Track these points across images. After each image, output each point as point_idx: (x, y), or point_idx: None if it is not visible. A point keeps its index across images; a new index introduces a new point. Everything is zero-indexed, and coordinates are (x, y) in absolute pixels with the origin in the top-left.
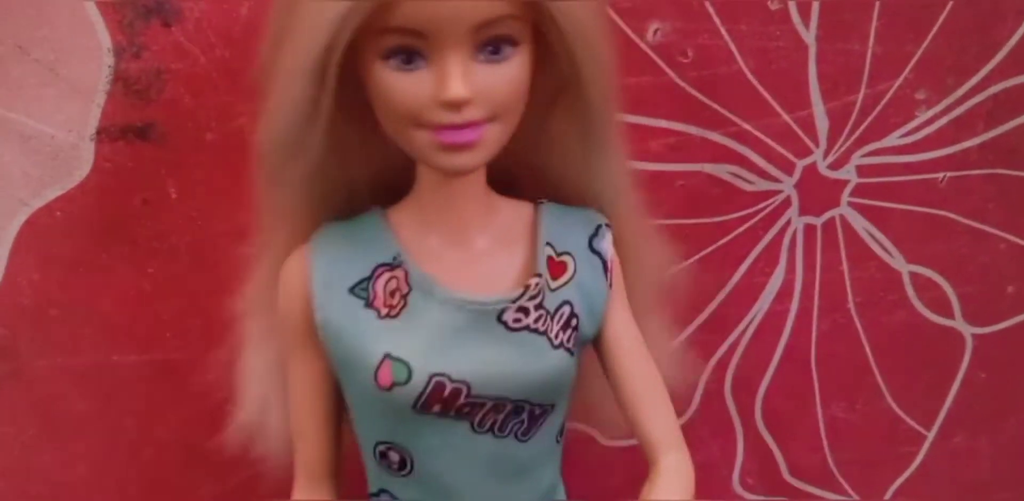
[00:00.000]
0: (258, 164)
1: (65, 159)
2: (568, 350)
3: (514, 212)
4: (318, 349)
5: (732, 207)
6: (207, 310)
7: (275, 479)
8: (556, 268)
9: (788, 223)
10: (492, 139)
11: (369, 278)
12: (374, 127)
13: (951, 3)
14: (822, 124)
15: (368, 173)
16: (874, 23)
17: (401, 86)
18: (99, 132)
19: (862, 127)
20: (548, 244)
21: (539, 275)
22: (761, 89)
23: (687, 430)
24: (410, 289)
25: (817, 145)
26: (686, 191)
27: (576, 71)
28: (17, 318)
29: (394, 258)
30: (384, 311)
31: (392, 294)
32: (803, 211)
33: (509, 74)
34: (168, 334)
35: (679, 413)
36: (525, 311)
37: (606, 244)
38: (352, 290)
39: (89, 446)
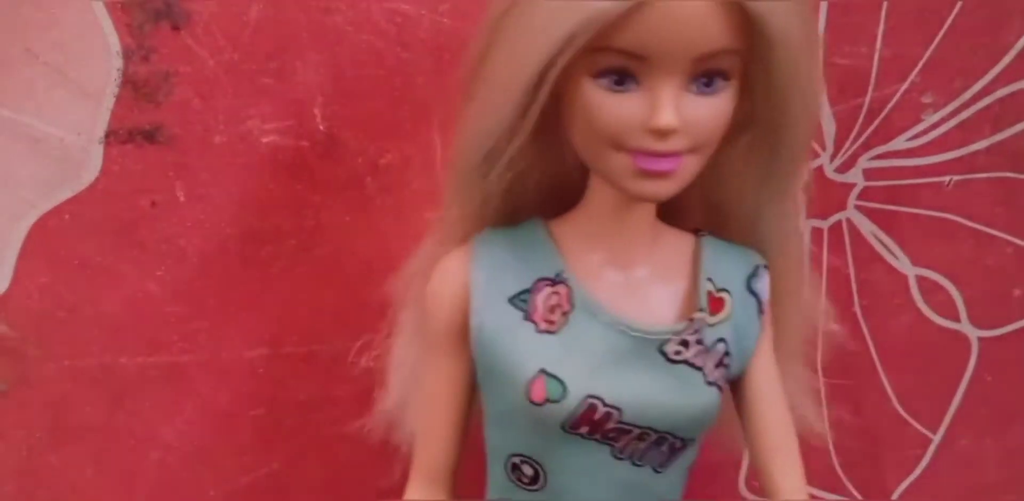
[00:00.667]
0: (452, 167)
1: (74, 162)
2: (719, 387)
3: (676, 242)
4: (463, 352)
5: None
6: (214, 313)
7: (281, 482)
8: (715, 304)
9: None
10: (687, 170)
11: (529, 290)
12: (557, 139)
13: (958, 6)
14: (829, 127)
15: (545, 182)
16: (881, 26)
17: (610, 106)
18: (108, 135)
19: (869, 130)
20: (708, 279)
21: (702, 309)
22: None
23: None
24: (572, 307)
25: (824, 148)
26: None
27: (775, 108)
28: (25, 320)
29: (557, 274)
30: (543, 326)
31: (552, 310)
32: (810, 214)
33: (717, 108)
34: (176, 337)
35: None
36: (686, 344)
37: (763, 285)
38: (511, 300)
39: (96, 449)
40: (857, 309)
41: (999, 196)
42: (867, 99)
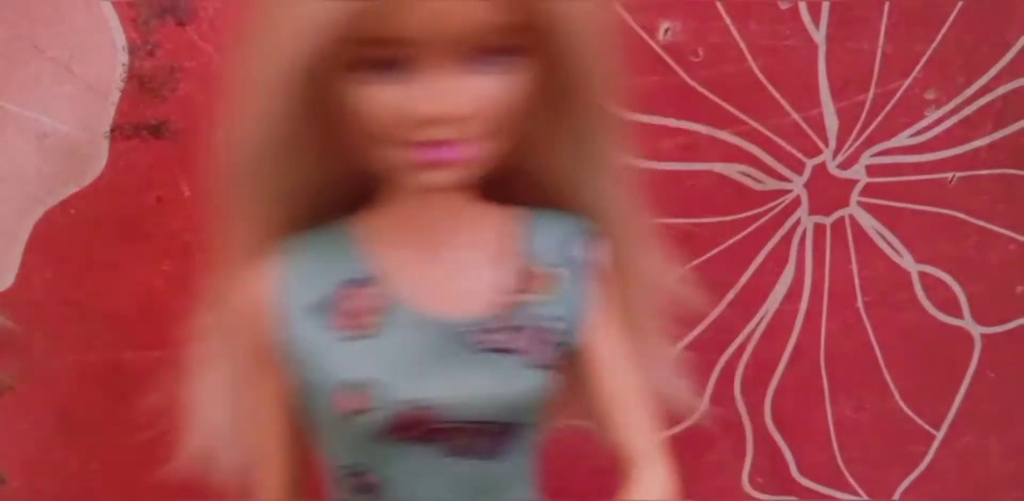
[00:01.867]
0: (216, 174)
1: (79, 157)
2: (545, 368)
3: (499, 223)
4: (276, 369)
5: (742, 206)
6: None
7: None
8: (539, 281)
9: (798, 222)
10: (479, 155)
11: (333, 296)
12: (335, 136)
13: (961, 2)
14: (832, 123)
15: (331, 179)
16: (884, 22)
17: (379, 99)
18: (113, 130)
19: (872, 126)
20: (531, 255)
21: (519, 292)
22: (771, 88)
23: (697, 430)
24: (379, 309)
25: (827, 144)
26: (696, 191)
27: (570, 80)
28: (31, 315)
29: (361, 275)
30: (348, 332)
31: (358, 314)
32: (813, 210)
33: (499, 87)
34: (180, 332)
35: (689, 414)
36: (500, 330)
37: (592, 253)
38: (315, 309)
39: (102, 443)
40: (860, 305)
41: (1002, 192)
42: (870, 95)
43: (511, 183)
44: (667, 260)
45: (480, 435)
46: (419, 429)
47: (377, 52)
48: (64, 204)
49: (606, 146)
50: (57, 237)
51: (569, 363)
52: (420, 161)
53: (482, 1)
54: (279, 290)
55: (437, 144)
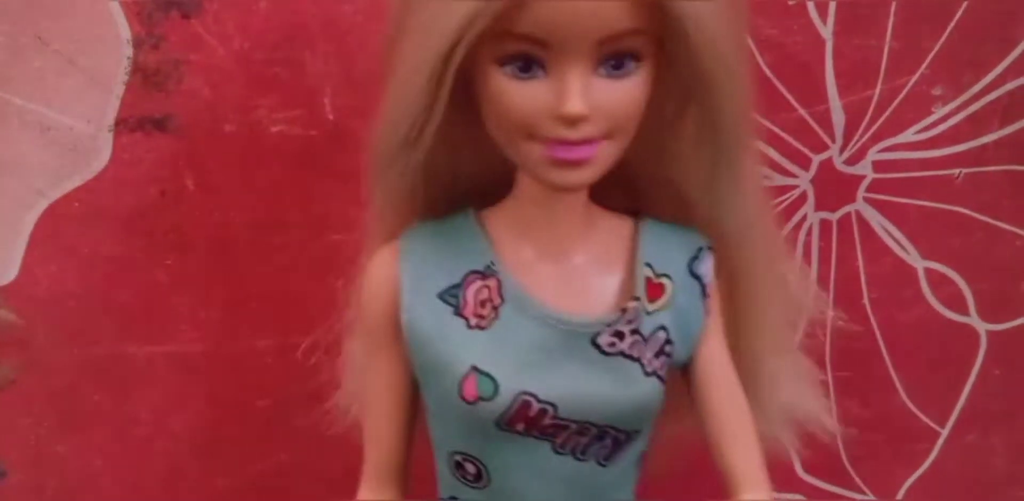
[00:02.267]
0: (370, 158)
1: (83, 150)
2: (659, 377)
3: (614, 228)
4: (400, 350)
5: None
6: (222, 303)
7: (288, 473)
8: (654, 290)
9: (804, 218)
10: (605, 157)
11: (460, 285)
12: (478, 130)
13: None
14: (839, 119)
15: (473, 171)
16: (891, 18)
17: (517, 95)
18: (117, 123)
19: (878, 122)
20: (647, 265)
21: (637, 299)
22: (778, 84)
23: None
24: (503, 301)
25: (833, 140)
26: None
27: (705, 88)
28: (34, 309)
29: (487, 267)
30: (474, 321)
31: (483, 304)
32: (819, 206)
33: (630, 91)
34: (184, 326)
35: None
36: (620, 335)
37: (706, 268)
38: (442, 295)
39: (104, 438)
40: (866, 302)
41: (1008, 189)
42: (877, 91)
43: (642, 191)
44: (797, 274)
45: (592, 437)
46: (536, 423)
47: (518, 48)
48: (67, 197)
49: (742, 165)
50: (60, 231)
51: (677, 378)
52: (553, 158)
53: (618, 5)
54: (408, 274)
55: (569, 143)
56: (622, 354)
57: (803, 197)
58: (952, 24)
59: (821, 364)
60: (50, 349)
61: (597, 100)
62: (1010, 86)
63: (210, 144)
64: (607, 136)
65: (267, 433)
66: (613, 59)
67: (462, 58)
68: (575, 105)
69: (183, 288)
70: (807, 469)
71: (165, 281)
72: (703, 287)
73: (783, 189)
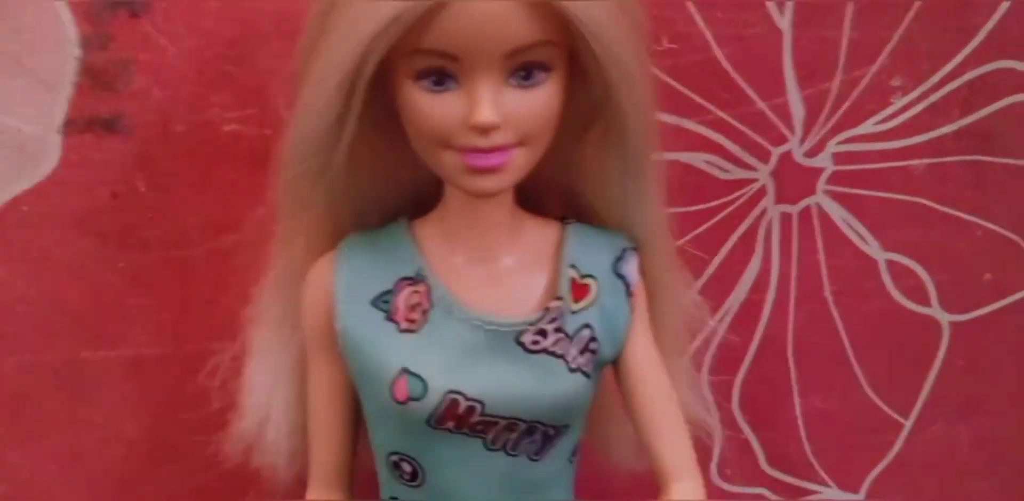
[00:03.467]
0: (279, 171)
1: (32, 152)
2: (585, 373)
3: (540, 232)
4: (337, 356)
5: (707, 196)
6: (177, 305)
7: (247, 477)
8: (579, 290)
9: (764, 212)
10: (519, 164)
11: (391, 291)
12: (400, 143)
13: None
14: (797, 111)
15: (398, 185)
16: (849, 9)
17: (431, 107)
18: (66, 124)
19: (838, 114)
20: (572, 266)
21: (560, 298)
22: (736, 77)
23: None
24: (431, 305)
25: (792, 133)
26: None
27: (611, 99)
28: None
29: (417, 273)
30: (404, 325)
31: (413, 309)
32: (779, 199)
33: (539, 100)
34: (138, 330)
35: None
36: (544, 333)
37: (630, 268)
38: (374, 302)
39: (59, 444)
40: (828, 295)
41: (968, 179)
42: (835, 83)
43: (552, 200)
44: (687, 279)
45: (521, 433)
46: (465, 420)
47: (430, 63)
48: (16, 201)
49: (649, 173)
50: (9, 235)
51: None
52: (468, 166)
53: (522, 19)
54: (343, 283)
55: (482, 150)
56: (545, 351)
57: (763, 190)
58: (911, 14)
59: (783, 358)
60: (1, 355)
61: (508, 109)
62: (969, 76)
63: (161, 145)
64: (520, 143)
65: (224, 437)
66: (522, 70)
67: (381, 75)
68: (485, 114)
69: (136, 291)
70: (771, 463)
71: (118, 284)
72: (627, 286)
73: (742, 182)
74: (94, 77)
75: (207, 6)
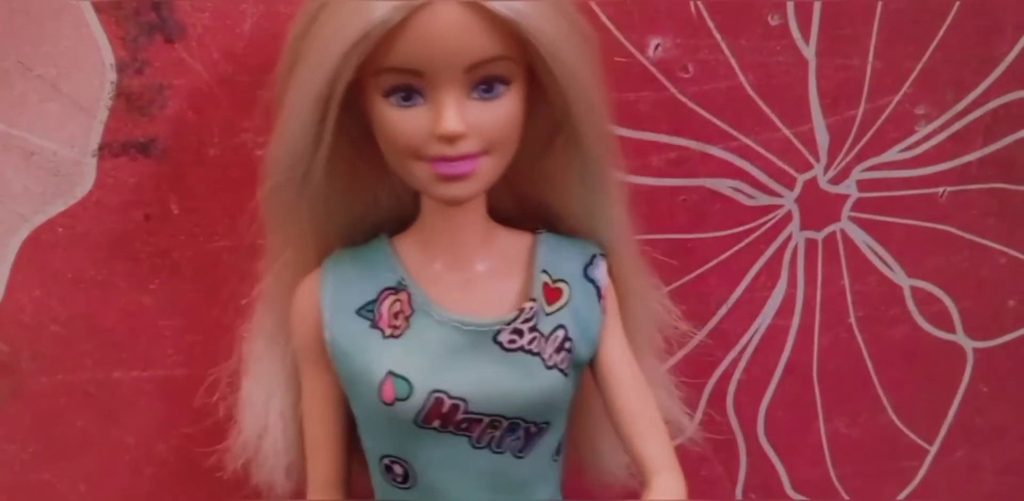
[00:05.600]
0: (262, 189)
1: (67, 175)
2: (562, 371)
3: (513, 240)
4: (328, 366)
5: (733, 222)
6: (209, 326)
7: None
8: (551, 294)
9: (789, 238)
10: (486, 171)
11: (375, 300)
12: (378, 160)
13: (950, 18)
14: (823, 139)
15: (378, 203)
16: (874, 38)
17: (401, 121)
18: (101, 148)
19: (862, 142)
20: (544, 271)
21: (533, 299)
22: (762, 104)
23: (690, 446)
24: (412, 311)
25: (818, 160)
26: (687, 206)
27: (568, 112)
28: (18, 334)
29: (399, 282)
30: (388, 331)
31: (396, 316)
32: (804, 225)
33: (501, 111)
34: (170, 350)
35: (679, 434)
36: (519, 333)
37: (600, 272)
38: (359, 312)
39: (90, 464)
40: (853, 320)
41: (992, 207)
42: (860, 111)
43: (520, 211)
44: (654, 281)
45: (504, 430)
46: (450, 418)
47: (397, 80)
48: (51, 222)
49: (609, 181)
50: (44, 256)
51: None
52: (438, 174)
53: (481, 36)
54: (329, 295)
55: (450, 159)
56: (522, 350)
57: (788, 216)
58: (934, 44)
59: (809, 383)
60: (35, 375)
61: (472, 120)
62: (992, 104)
63: (195, 168)
64: (485, 152)
65: (248, 465)
66: (483, 83)
67: (354, 95)
68: (450, 124)
69: (168, 312)
70: (796, 487)
71: (150, 305)
72: (598, 289)
73: (768, 209)
74: (129, 101)
75: (240, 31)
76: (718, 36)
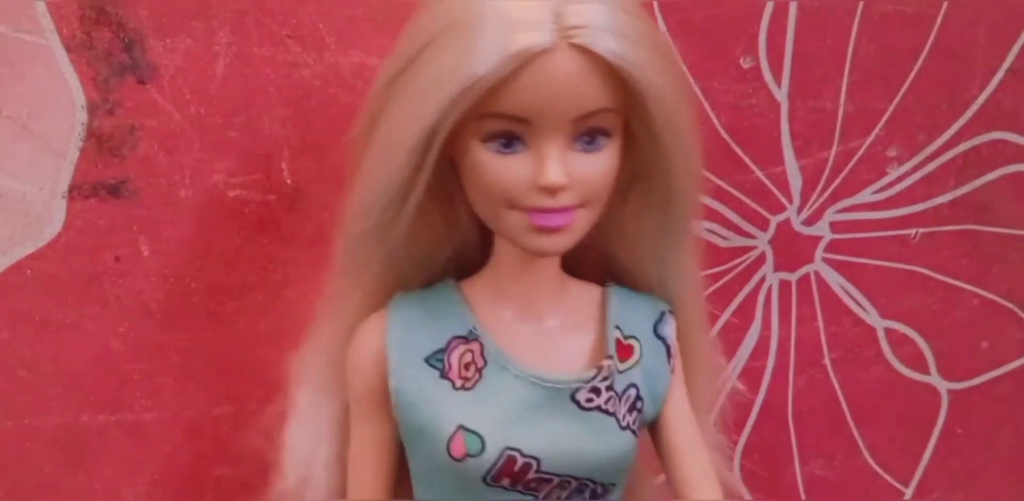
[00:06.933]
0: (341, 234)
1: (36, 216)
2: (633, 431)
3: (584, 293)
4: (385, 415)
5: (707, 263)
6: (178, 370)
7: None
8: (623, 350)
9: (763, 279)
10: (581, 224)
11: (444, 349)
12: (455, 205)
13: (921, 60)
14: (795, 180)
15: (446, 247)
16: (845, 80)
17: (500, 169)
18: (71, 189)
19: (835, 183)
20: (616, 327)
21: (611, 357)
22: (734, 146)
23: (666, 487)
24: (485, 363)
25: (791, 201)
26: None
27: (661, 163)
28: None
29: (469, 331)
30: (459, 383)
31: (467, 367)
32: (778, 267)
33: (601, 164)
34: (138, 394)
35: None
36: (597, 392)
37: (669, 330)
38: (427, 360)
39: None
40: (827, 362)
41: (964, 248)
42: (832, 152)
43: (587, 262)
44: (714, 340)
45: (572, 491)
46: (521, 477)
47: (500, 126)
48: (19, 265)
49: (686, 233)
50: (12, 298)
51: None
52: (534, 225)
53: (591, 86)
54: (395, 340)
55: (549, 211)
56: (599, 409)
57: (762, 258)
58: (905, 86)
59: (784, 425)
60: (1, 419)
61: (574, 172)
62: (964, 146)
63: (166, 209)
64: (582, 205)
65: None
66: (586, 135)
67: (445, 138)
68: (556, 176)
69: (137, 356)
70: None
71: (119, 349)
72: (667, 348)
73: (742, 250)
74: (100, 142)
75: (212, 72)
76: (691, 78)
